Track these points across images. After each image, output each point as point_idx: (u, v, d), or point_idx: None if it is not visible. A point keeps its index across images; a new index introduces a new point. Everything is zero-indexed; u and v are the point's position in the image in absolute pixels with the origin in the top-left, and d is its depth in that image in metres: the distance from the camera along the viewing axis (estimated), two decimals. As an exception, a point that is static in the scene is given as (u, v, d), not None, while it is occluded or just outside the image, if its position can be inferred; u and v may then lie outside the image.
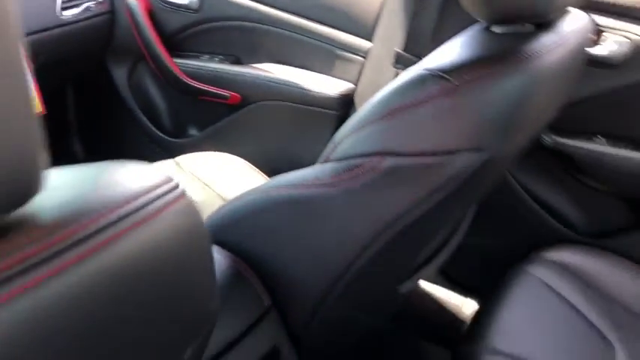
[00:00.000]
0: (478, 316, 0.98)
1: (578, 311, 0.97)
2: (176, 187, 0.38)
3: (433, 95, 0.62)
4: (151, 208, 0.36)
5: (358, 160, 0.66)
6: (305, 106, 1.37)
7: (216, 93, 1.49)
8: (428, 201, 0.67)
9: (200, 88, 1.51)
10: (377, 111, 0.66)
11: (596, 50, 1.11)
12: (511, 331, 0.90)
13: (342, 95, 1.34)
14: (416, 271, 0.90)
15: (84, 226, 0.32)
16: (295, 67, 1.42)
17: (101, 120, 1.79)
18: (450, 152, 0.63)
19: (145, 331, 0.38)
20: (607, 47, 1.10)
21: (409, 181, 0.66)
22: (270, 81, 1.40)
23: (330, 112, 1.36)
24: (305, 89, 1.35)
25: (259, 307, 0.73)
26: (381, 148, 0.65)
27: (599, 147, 1.15)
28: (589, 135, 1.16)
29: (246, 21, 1.42)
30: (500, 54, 0.66)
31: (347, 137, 0.69)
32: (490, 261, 1.23)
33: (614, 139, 1.15)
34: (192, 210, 0.39)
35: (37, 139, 0.30)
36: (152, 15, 1.54)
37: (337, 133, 0.71)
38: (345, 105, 1.36)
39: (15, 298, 0.29)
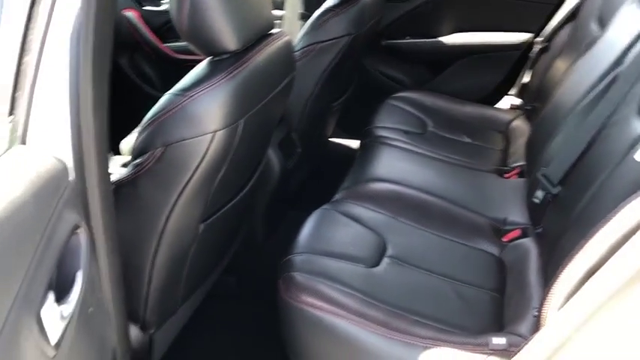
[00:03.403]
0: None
1: (410, 112, 2.12)
2: (285, 34, 1.38)
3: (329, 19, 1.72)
4: (281, 35, 1.35)
5: (312, 47, 1.74)
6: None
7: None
8: (337, 59, 1.76)
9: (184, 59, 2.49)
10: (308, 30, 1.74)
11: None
12: (381, 120, 2.02)
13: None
14: (337, 99, 2.03)
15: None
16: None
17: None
18: (343, 36, 1.73)
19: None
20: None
21: (327, 52, 1.75)
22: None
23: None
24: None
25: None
26: (314, 40, 1.73)
27: (409, 41, 2.34)
28: (402, 36, 2.34)
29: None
30: None
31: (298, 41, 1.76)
32: (365, 112, 2.36)
33: (414, 36, 2.34)
34: (290, 40, 1.38)
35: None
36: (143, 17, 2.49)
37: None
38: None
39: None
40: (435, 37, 2.32)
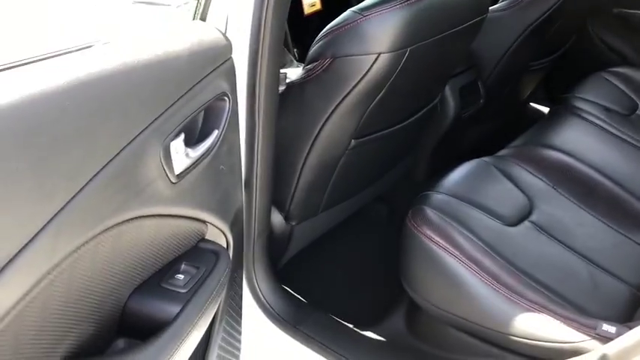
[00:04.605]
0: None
1: (622, 90, 1.91)
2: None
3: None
4: None
5: None
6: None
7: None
8: (547, 14, 1.66)
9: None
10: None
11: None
12: (584, 92, 1.86)
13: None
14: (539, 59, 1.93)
15: None
16: None
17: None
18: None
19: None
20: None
21: (537, 5, 1.66)
22: None
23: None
24: None
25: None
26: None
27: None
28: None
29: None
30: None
31: None
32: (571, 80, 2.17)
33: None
34: None
35: None
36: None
37: None
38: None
39: None
40: (683, 14, 2.03)
